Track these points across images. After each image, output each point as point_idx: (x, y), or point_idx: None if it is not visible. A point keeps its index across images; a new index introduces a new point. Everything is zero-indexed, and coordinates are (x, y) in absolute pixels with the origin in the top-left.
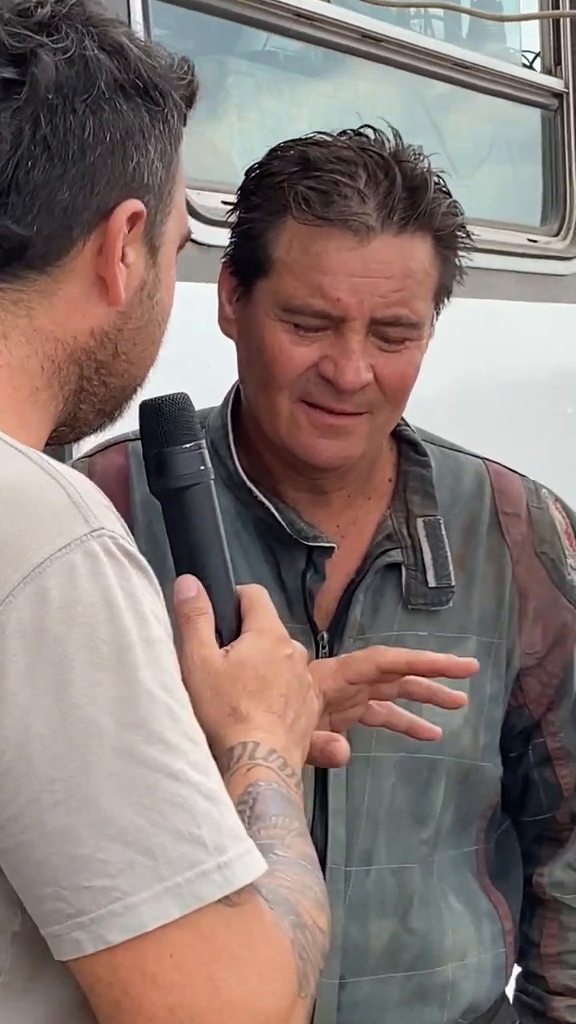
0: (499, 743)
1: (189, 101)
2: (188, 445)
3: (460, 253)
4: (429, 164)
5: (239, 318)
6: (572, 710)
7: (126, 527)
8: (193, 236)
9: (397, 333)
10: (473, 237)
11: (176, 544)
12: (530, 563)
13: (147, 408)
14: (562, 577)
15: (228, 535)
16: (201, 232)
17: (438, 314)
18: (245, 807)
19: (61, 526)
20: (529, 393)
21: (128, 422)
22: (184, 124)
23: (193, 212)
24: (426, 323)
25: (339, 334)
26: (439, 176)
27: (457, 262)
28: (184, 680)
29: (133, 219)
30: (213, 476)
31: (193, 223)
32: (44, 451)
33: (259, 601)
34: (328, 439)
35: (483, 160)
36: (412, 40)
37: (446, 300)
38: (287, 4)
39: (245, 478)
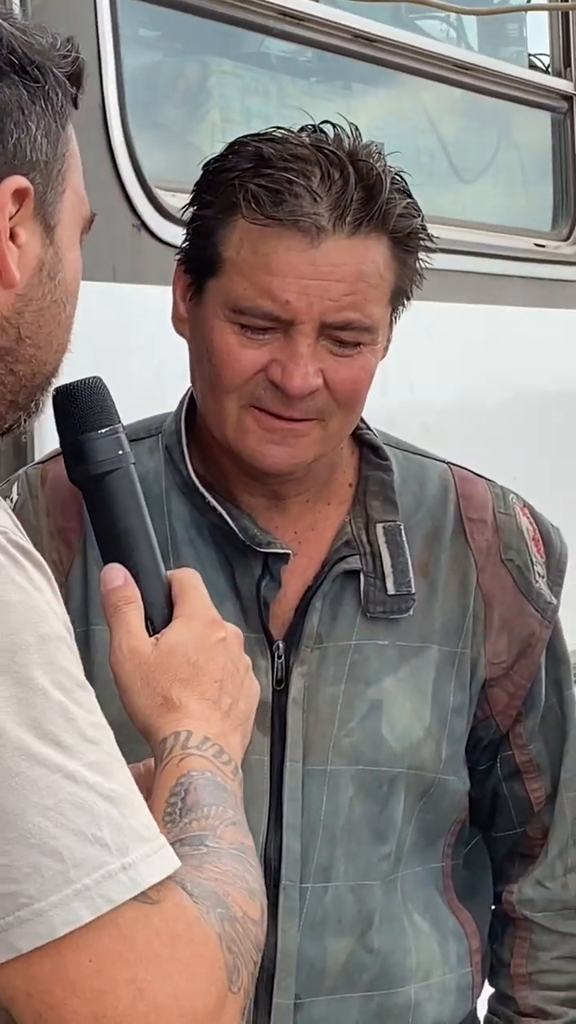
0: (466, 756)
1: (75, 79)
2: (104, 430)
3: (421, 255)
4: (386, 163)
5: (191, 317)
6: (541, 721)
7: (16, 522)
8: (172, 240)
9: (349, 337)
10: (478, 242)
11: (100, 532)
12: (496, 571)
13: (59, 395)
14: (529, 584)
15: (183, 542)
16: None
17: (396, 318)
18: (177, 799)
19: None
20: (535, 401)
21: None
22: (73, 103)
23: (176, 216)
24: (381, 327)
25: (288, 337)
26: (399, 176)
27: (416, 265)
28: (114, 671)
29: (19, 196)
30: (134, 460)
31: (174, 228)
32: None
33: (190, 585)
34: (277, 445)
35: (489, 164)
36: (408, 41)
37: (404, 303)
38: (275, 4)
39: (198, 483)
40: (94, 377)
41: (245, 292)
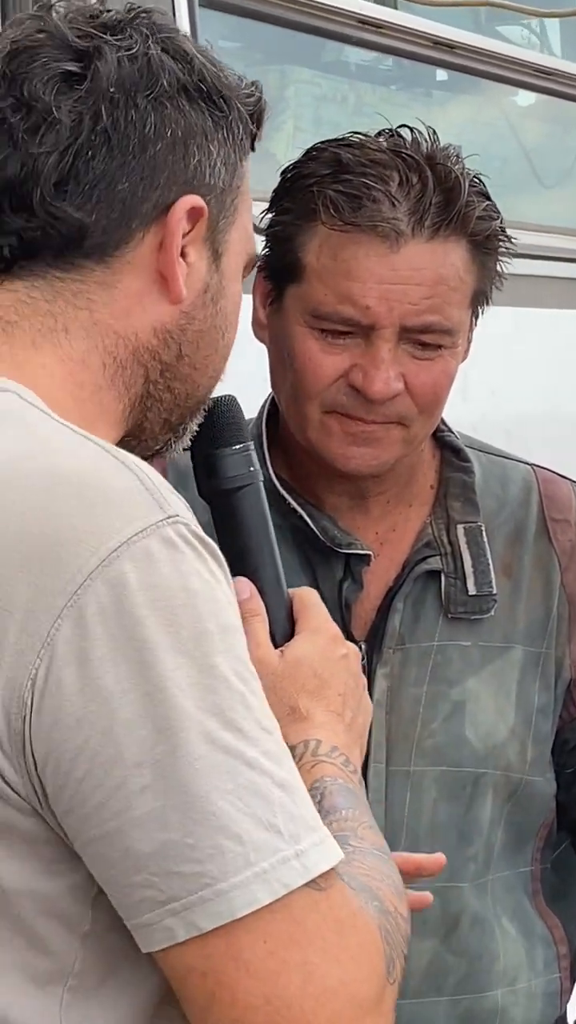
0: (553, 759)
1: (256, 119)
2: (237, 447)
3: (501, 258)
4: (464, 166)
5: (271, 324)
6: None
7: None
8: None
9: (430, 339)
10: (560, 247)
11: (227, 546)
12: None
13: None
14: None
15: None
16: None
17: (476, 321)
18: (314, 802)
19: (136, 512)
20: None
21: None
22: (251, 142)
23: (254, 224)
24: (461, 330)
25: (369, 342)
26: (477, 178)
27: (497, 267)
28: None
29: (194, 215)
30: (263, 478)
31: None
32: None
33: (311, 601)
34: (359, 447)
35: (572, 168)
36: (489, 47)
37: (484, 306)
38: (355, 12)
39: (279, 485)
40: (228, 395)
41: (325, 298)
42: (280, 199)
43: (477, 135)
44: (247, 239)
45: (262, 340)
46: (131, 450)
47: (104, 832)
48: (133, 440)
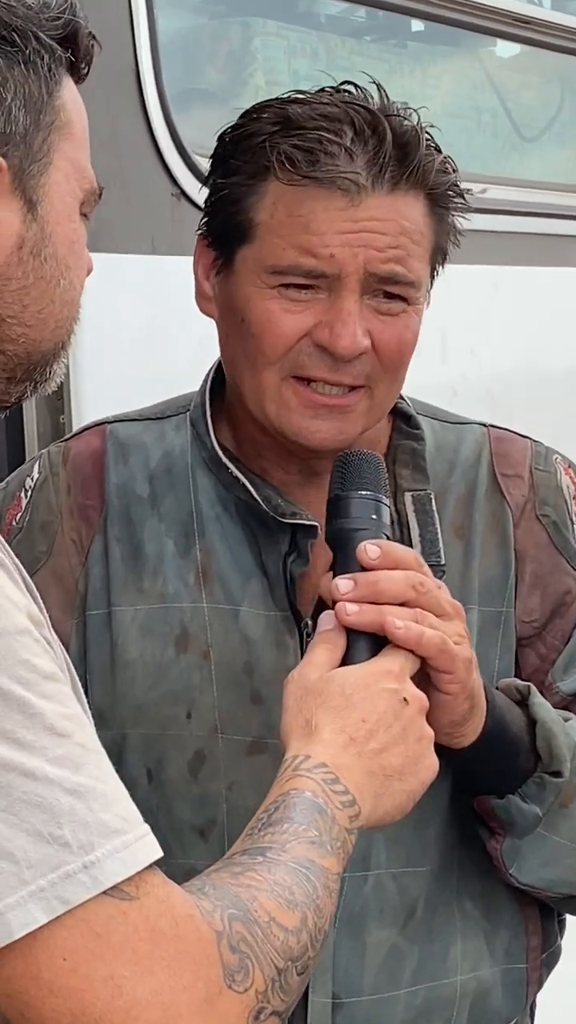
0: None
1: (69, 42)
2: (365, 493)
3: (457, 214)
4: (419, 119)
5: (220, 292)
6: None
7: None
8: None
9: (396, 291)
10: (541, 202)
11: None
12: (529, 526)
13: (338, 459)
14: (566, 541)
15: (208, 519)
16: None
17: (434, 278)
18: (266, 815)
19: None
20: None
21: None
22: (72, 67)
23: None
24: (423, 285)
25: (334, 295)
26: (428, 132)
27: (453, 223)
28: (283, 692)
29: None
30: (388, 534)
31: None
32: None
33: (395, 648)
34: (322, 419)
35: (552, 121)
36: None
37: (441, 263)
38: None
39: (221, 455)
40: (374, 453)
41: (284, 252)
42: (223, 162)
43: (455, 88)
44: (78, 174)
45: (208, 313)
46: None
47: None
48: None
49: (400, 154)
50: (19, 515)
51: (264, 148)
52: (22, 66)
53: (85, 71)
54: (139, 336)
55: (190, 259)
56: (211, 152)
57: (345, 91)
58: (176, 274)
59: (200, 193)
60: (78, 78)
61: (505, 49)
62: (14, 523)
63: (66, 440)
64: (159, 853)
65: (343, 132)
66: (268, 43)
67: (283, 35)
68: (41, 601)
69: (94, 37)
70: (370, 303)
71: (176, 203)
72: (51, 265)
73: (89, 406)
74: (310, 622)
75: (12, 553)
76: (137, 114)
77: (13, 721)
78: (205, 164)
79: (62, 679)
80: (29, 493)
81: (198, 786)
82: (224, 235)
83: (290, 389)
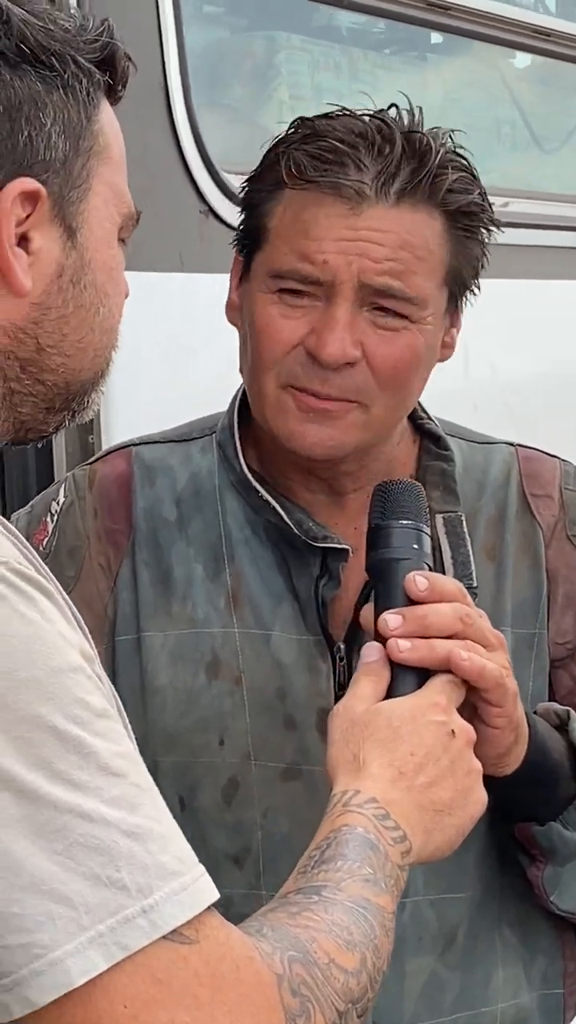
0: None
1: (106, 65)
2: (406, 522)
3: (486, 238)
4: (445, 138)
5: (242, 302)
6: None
7: (26, 547)
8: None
9: (391, 306)
10: (560, 215)
11: (378, 612)
12: (560, 546)
13: (378, 488)
14: None
15: (238, 542)
16: None
17: (455, 303)
18: (317, 852)
19: None
20: None
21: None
22: (109, 91)
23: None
24: (430, 304)
25: (328, 303)
26: (458, 153)
27: (479, 248)
28: (328, 726)
29: (31, 199)
30: (430, 563)
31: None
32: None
33: (439, 678)
34: (315, 424)
35: (571, 133)
36: (484, 8)
37: (468, 288)
38: None
39: (251, 478)
40: (414, 482)
41: (285, 257)
42: (255, 170)
43: (473, 98)
44: (117, 199)
45: (234, 323)
46: (22, 440)
47: None
48: (16, 436)
49: (412, 168)
50: (46, 540)
51: (280, 155)
52: (61, 91)
53: (121, 93)
54: (167, 355)
55: (218, 276)
56: (238, 168)
57: (384, 112)
58: (204, 291)
59: (228, 210)
60: (114, 100)
61: (524, 59)
62: (41, 548)
63: (91, 463)
64: (216, 894)
65: (359, 144)
66: (292, 57)
67: (307, 48)
68: (89, 634)
69: (130, 58)
70: (368, 316)
71: (204, 220)
72: (90, 293)
73: (119, 426)
74: (342, 646)
75: (59, 583)
76: (166, 130)
77: (68, 762)
78: (233, 181)
79: (114, 716)
80: (55, 517)
81: (232, 814)
82: (246, 241)
83: (286, 394)
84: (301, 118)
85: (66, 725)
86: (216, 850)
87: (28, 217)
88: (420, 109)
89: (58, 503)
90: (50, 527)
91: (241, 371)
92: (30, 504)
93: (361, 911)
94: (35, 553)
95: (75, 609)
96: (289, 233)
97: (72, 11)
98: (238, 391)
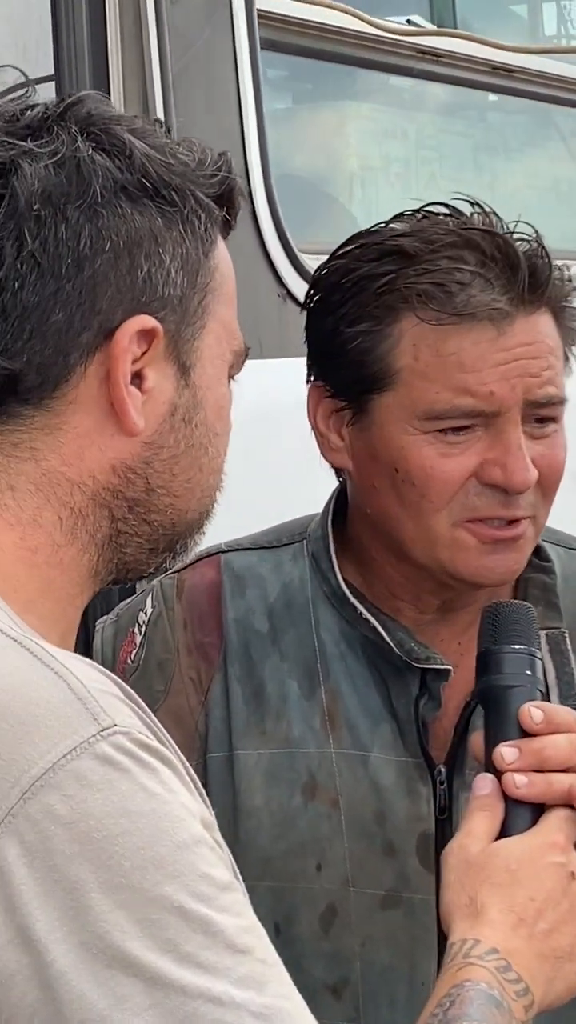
0: None
1: (224, 200)
2: (518, 647)
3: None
4: (538, 234)
5: (354, 442)
6: None
7: (146, 712)
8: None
9: (548, 413)
10: None
11: (491, 741)
12: None
13: (488, 610)
14: None
15: (332, 657)
16: None
17: None
18: (440, 1010)
19: (65, 729)
20: None
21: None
22: (225, 227)
23: None
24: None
25: (496, 431)
26: (539, 240)
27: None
28: (441, 866)
29: (148, 337)
30: (543, 690)
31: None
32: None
33: (555, 812)
34: (499, 554)
35: None
36: (545, 68)
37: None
38: (413, 44)
39: (348, 593)
40: (525, 604)
41: (439, 396)
42: (335, 308)
43: (537, 157)
44: (229, 336)
45: (340, 464)
46: (121, 581)
47: None
48: (118, 576)
49: (534, 275)
50: (134, 652)
51: (392, 290)
52: (180, 226)
53: (234, 226)
54: (248, 443)
55: (295, 360)
56: (313, 248)
57: (434, 214)
58: (285, 376)
59: (302, 291)
60: (226, 235)
61: None
62: (129, 661)
63: (179, 571)
64: None
65: (467, 259)
66: (361, 127)
67: (374, 118)
68: (206, 795)
69: (243, 192)
70: (527, 431)
71: (282, 304)
72: (201, 432)
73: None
74: (442, 769)
75: (175, 746)
76: (245, 216)
77: (196, 942)
78: (311, 262)
79: (237, 887)
80: (143, 629)
81: (329, 942)
82: (354, 386)
83: (466, 532)
84: (361, 243)
85: (192, 903)
86: (314, 980)
87: (144, 354)
88: (478, 202)
89: (146, 613)
90: (138, 639)
91: (375, 510)
92: (115, 612)
93: None
94: (154, 717)
95: (191, 770)
96: (435, 371)
97: (192, 146)
98: (330, 500)
